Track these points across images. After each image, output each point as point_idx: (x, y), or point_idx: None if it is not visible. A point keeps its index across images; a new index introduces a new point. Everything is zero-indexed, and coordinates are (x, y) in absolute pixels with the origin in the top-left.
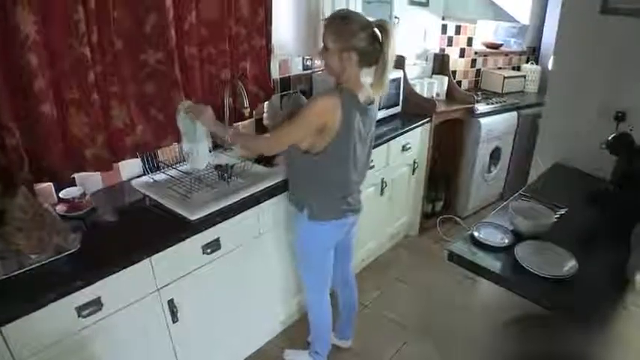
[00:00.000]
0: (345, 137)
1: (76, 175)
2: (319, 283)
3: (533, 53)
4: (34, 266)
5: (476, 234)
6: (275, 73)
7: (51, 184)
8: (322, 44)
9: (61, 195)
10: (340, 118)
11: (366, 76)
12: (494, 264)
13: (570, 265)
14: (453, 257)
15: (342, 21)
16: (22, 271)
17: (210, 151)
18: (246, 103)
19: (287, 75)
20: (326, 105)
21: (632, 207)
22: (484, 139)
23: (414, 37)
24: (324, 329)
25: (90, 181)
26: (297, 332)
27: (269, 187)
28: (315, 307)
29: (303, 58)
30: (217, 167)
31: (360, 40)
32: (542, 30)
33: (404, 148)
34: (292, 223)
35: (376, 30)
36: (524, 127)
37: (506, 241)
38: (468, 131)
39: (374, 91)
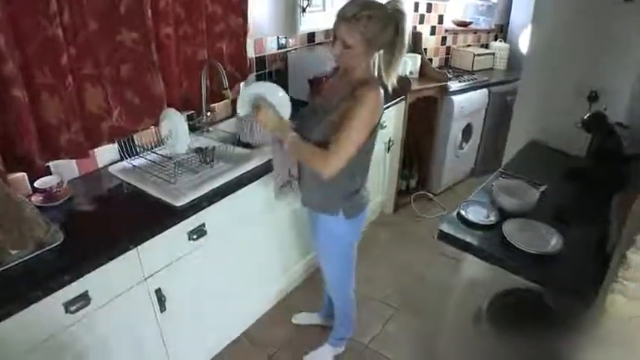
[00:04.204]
0: (378, 129)
1: (50, 164)
2: (351, 273)
3: (502, 31)
4: (15, 262)
5: (463, 213)
6: (250, 53)
7: (24, 174)
8: (339, 40)
9: (36, 185)
10: (381, 110)
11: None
12: (482, 242)
13: (555, 241)
14: (444, 236)
15: (368, 20)
16: (3, 268)
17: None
18: (225, 83)
19: (262, 54)
20: (380, 100)
21: (608, 183)
22: (457, 117)
23: None
24: (353, 314)
25: (65, 169)
26: (282, 313)
27: (253, 169)
28: (348, 296)
29: (278, 37)
30: (198, 150)
31: (387, 35)
32: (510, 8)
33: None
34: (317, 228)
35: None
36: (494, 104)
37: (493, 219)
38: (441, 109)
39: (387, 75)
